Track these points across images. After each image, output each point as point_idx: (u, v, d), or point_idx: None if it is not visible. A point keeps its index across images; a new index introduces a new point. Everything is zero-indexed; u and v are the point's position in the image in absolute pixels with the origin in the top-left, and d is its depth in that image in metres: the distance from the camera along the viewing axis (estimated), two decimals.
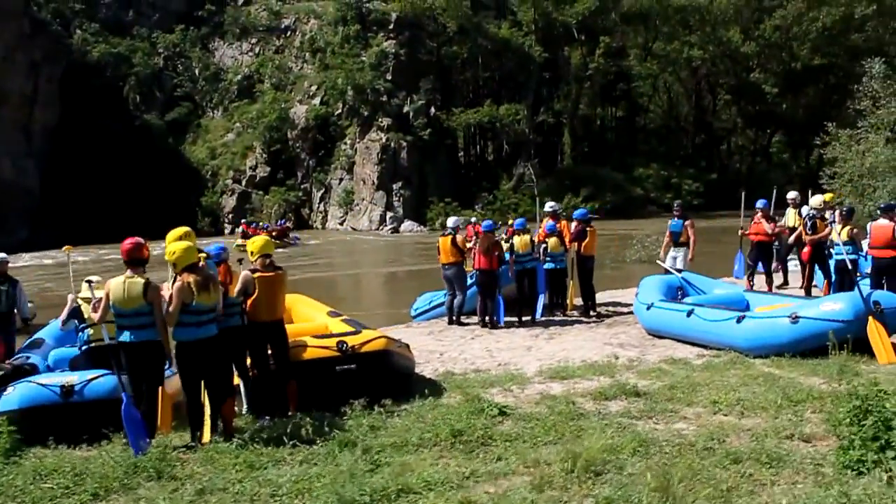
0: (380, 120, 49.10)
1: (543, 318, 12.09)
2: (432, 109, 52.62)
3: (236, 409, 6.69)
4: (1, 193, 46.18)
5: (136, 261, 6.15)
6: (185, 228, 6.68)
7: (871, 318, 8.05)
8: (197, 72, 60.87)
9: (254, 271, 6.96)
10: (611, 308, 12.96)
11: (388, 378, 7.24)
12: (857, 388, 5.14)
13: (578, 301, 12.61)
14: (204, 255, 6.62)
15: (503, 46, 52.28)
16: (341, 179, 50.42)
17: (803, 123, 51.50)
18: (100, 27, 60.46)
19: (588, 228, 12.22)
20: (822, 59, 52.49)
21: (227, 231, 51.91)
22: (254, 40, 61.00)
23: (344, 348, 7.03)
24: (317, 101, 53.11)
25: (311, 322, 9.87)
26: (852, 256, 10.19)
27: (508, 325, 11.71)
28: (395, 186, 47.42)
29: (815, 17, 50.92)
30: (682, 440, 5.40)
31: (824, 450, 5.04)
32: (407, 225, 46.44)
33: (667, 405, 6.44)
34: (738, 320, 8.69)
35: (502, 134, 53.16)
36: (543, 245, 12.23)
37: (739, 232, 13.80)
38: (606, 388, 7.09)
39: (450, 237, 11.93)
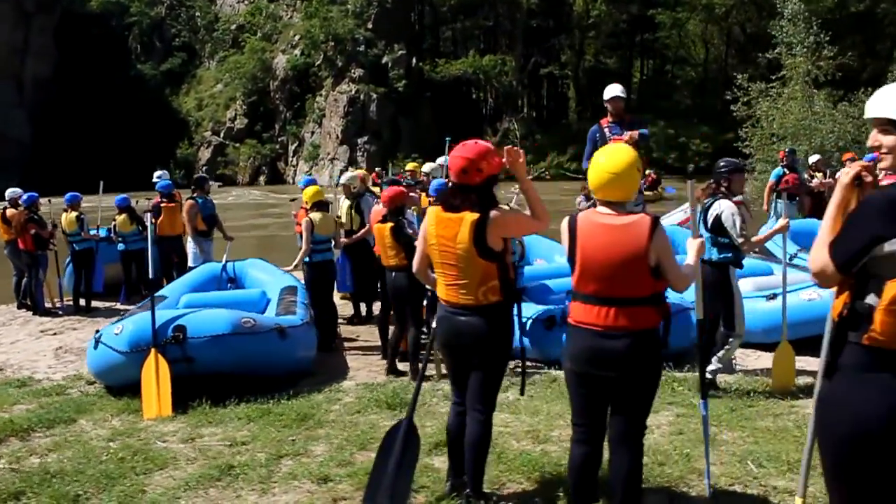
0: (352, 71, 46.68)
1: (119, 306, 10.56)
2: (414, 60, 49.74)
3: None
4: None
5: None
6: None
7: (154, 351, 5.55)
8: (198, 21, 59.71)
9: None
10: None
11: None
12: None
13: None
14: None
15: None
16: (313, 133, 48.43)
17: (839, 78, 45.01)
18: None
19: (163, 204, 10.43)
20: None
21: None
22: None
23: None
24: (298, 51, 51.03)
25: None
26: None
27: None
28: (360, 140, 45.11)
29: None
30: None
31: None
32: None
33: None
34: None
35: (488, 86, 49.84)
36: (113, 223, 10.90)
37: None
38: None
39: None
